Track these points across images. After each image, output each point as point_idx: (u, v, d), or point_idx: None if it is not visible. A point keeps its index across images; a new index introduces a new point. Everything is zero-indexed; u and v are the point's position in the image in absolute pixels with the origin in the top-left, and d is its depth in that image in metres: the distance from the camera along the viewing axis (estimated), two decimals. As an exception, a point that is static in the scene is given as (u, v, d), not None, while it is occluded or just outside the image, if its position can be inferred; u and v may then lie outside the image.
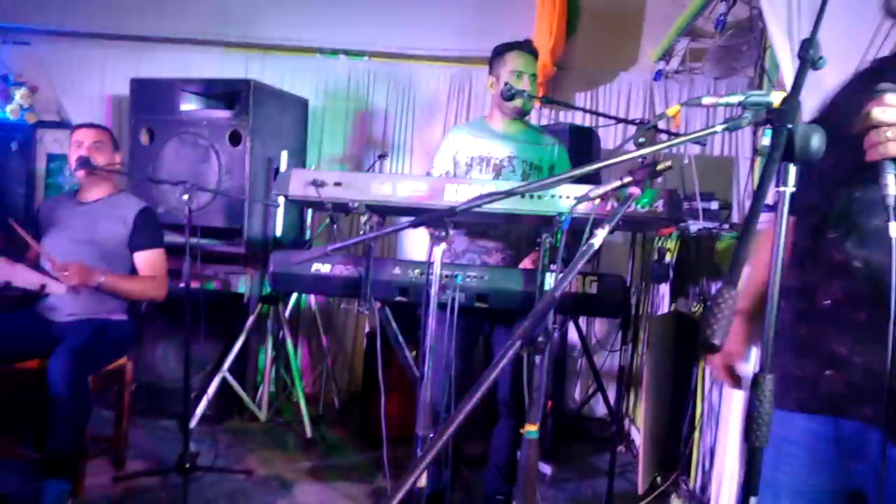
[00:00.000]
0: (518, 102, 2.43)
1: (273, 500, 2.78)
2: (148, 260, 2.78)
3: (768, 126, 0.96)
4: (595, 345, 4.17)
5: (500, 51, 2.50)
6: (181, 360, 3.62)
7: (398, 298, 2.09)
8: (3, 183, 4.25)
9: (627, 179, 1.17)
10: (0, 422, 2.67)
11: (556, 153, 2.59)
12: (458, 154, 2.53)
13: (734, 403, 2.26)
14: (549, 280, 2.07)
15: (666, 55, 4.04)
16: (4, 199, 4.36)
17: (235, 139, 3.65)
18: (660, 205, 1.93)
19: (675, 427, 2.92)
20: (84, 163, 2.67)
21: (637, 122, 3.06)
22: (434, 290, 1.56)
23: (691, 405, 2.68)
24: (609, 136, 4.20)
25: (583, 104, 4.30)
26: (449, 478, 2.85)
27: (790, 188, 1.01)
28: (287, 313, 3.80)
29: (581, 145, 3.56)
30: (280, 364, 3.90)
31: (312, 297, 4.05)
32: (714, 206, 3.09)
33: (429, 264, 1.56)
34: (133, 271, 2.79)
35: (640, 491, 2.86)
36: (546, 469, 3.31)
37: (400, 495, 0.79)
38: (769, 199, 0.95)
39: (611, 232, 1.40)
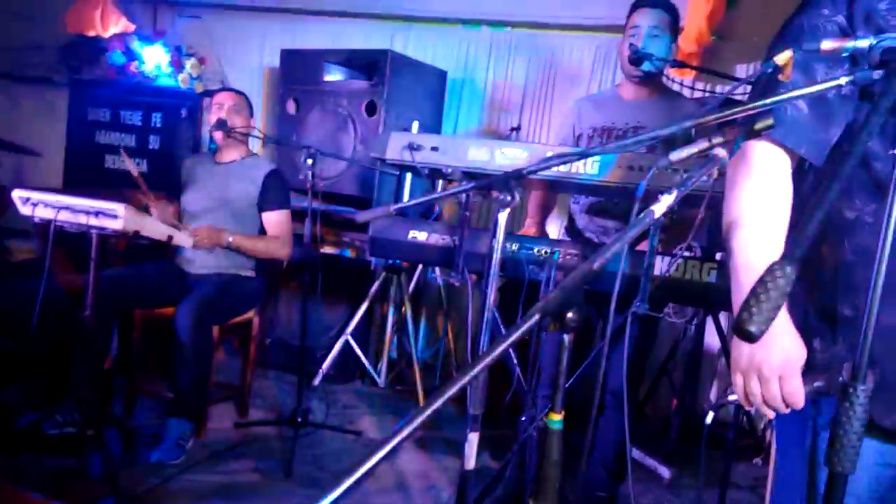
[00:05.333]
0: (644, 66, 2.20)
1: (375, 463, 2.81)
2: (274, 220, 2.91)
3: (879, 69, 0.75)
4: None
5: (629, 9, 2.29)
6: (312, 321, 3.81)
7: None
8: (173, 147, 4.67)
9: (717, 140, 0.98)
10: (141, 363, 2.93)
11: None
12: (580, 125, 2.35)
13: None
14: (660, 263, 1.88)
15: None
16: (175, 163, 4.80)
17: (371, 109, 3.72)
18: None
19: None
20: (221, 124, 2.83)
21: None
22: (496, 259, 1.45)
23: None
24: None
25: (745, 76, 3.87)
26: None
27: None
28: (412, 284, 3.84)
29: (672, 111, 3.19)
30: (402, 333, 3.96)
31: (438, 269, 4.05)
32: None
33: (493, 231, 1.45)
34: (262, 230, 2.93)
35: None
36: (664, 472, 3.07)
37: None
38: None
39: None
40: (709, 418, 1.20)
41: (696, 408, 3.74)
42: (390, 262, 3.68)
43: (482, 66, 4.33)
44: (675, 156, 1.03)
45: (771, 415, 1.00)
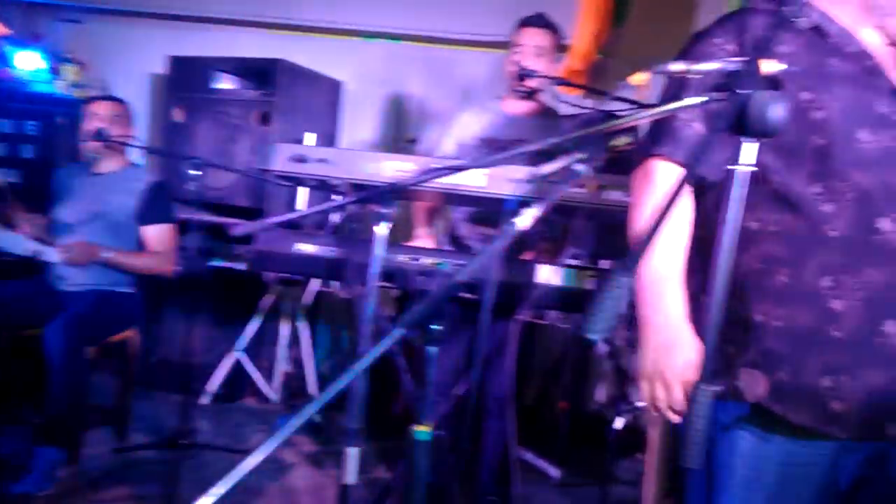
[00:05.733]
0: (530, 82, 2.29)
1: (265, 483, 2.74)
2: (155, 235, 2.78)
3: (716, 91, 0.81)
4: (625, 347, 3.97)
5: (514, 28, 2.37)
6: (200, 337, 3.66)
7: (382, 284, 1.99)
8: (49, 157, 4.37)
9: (579, 156, 1.03)
10: (4, 388, 2.72)
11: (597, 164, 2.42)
12: (464, 137, 2.41)
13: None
14: (547, 272, 1.94)
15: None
16: (52, 173, 4.50)
17: (264, 119, 3.64)
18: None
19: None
20: (99, 134, 2.68)
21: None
22: (374, 272, 1.45)
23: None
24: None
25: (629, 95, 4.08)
26: (453, 472, 2.74)
27: (744, 167, 0.85)
28: (310, 297, 3.78)
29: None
30: (298, 347, 3.88)
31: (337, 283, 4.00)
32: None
33: (372, 244, 1.45)
34: (140, 244, 2.80)
35: (648, 506, 2.68)
36: (553, 472, 3.16)
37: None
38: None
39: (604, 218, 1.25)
40: (618, 423, 1.23)
41: (585, 409, 3.88)
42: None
43: (378, 79, 4.33)
44: (545, 170, 1.08)
45: (676, 419, 1.04)
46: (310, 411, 0.71)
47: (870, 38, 1.17)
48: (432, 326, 0.82)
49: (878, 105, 1.09)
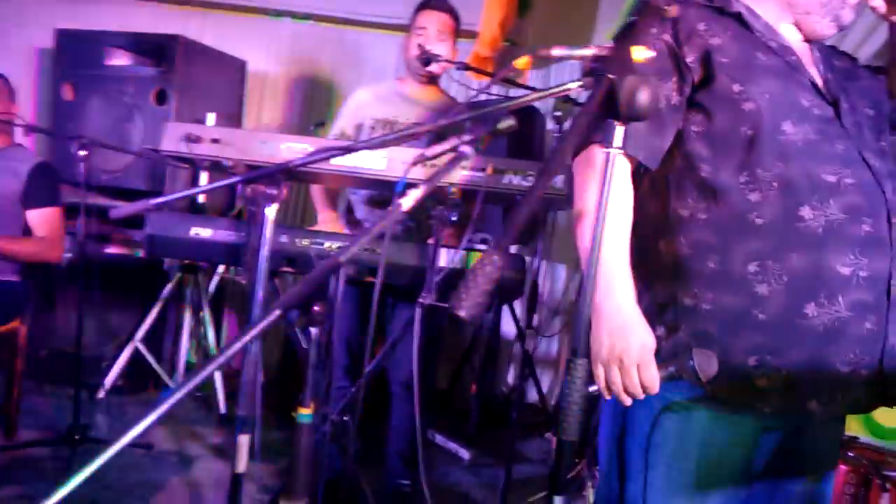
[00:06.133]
0: (431, 66, 2.29)
1: (166, 476, 2.65)
2: (41, 219, 2.62)
3: (587, 75, 0.84)
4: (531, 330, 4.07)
5: (415, 10, 2.36)
6: (95, 328, 3.49)
7: (284, 268, 1.96)
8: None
9: (466, 138, 1.04)
10: None
11: (479, 146, 2.45)
12: (361, 117, 2.39)
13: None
14: (445, 256, 1.95)
15: (620, 34, 3.90)
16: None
17: (161, 98, 3.48)
18: (558, 181, 1.81)
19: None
20: (-28, 111, 2.49)
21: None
22: (263, 254, 1.43)
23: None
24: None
25: (536, 83, 4.15)
26: (349, 463, 2.74)
27: (616, 150, 0.89)
28: (213, 284, 3.66)
29: (522, 124, 3.41)
30: (201, 336, 3.76)
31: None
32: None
33: (261, 226, 1.42)
34: (26, 229, 2.62)
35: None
36: (464, 454, 3.22)
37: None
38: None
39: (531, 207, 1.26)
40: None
41: (495, 391, 3.97)
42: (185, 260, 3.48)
43: (285, 60, 4.23)
44: (430, 152, 1.08)
45: (628, 402, 1.06)
46: (179, 394, 0.69)
47: (789, 34, 1.24)
48: (314, 308, 0.80)
49: (801, 98, 1.15)
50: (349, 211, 2.47)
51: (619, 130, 0.84)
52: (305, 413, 0.84)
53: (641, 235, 1.18)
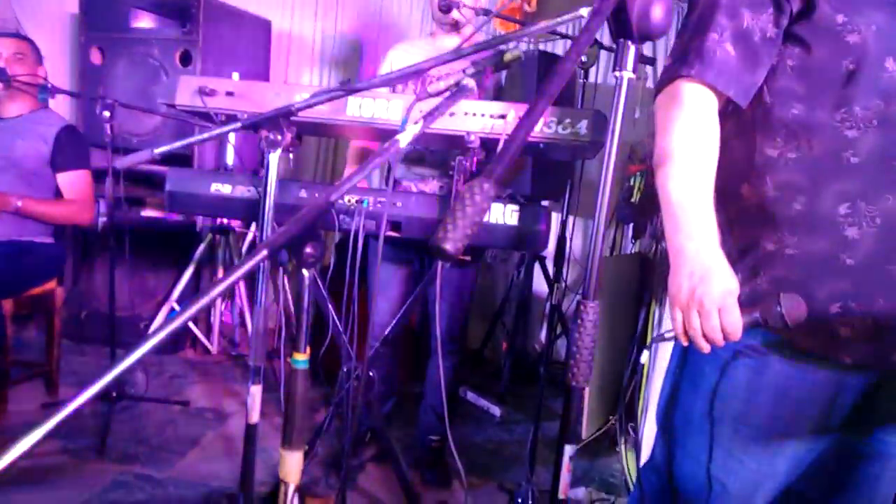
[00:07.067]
0: (452, 13, 2.20)
1: (202, 431, 2.70)
2: (71, 181, 2.64)
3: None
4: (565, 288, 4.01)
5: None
6: (132, 289, 3.56)
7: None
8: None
9: (470, 71, 0.98)
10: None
11: (503, 75, 2.37)
12: (392, 70, 2.32)
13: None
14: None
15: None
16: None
17: (186, 59, 3.46)
18: (583, 126, 1.73)
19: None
20: (0, 74, 2.50)
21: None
22: (268, 205, 1.39)
23: (635, 350, 2.53)
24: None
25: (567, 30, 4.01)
26: (388, 411, 2.75)
27: (629, 73, 0.82)
28: (245, 244, 3.68)
29: (548, 73, 3.30)
30: (234, 297, 3.80)
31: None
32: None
33: (265, 174, 1.39)
34: (58, 192, 2.66)
35: (584, 435, 2.74)
36: (495, 411, 3.21)
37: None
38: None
39: (540, 155, 1.21)
40: (644, 357, 1.15)
41: (527, 349, 3.94)
42: (218, 222, 3.50)
43: (310, 18, 4.16)
44: (433, 88, 1.02)
45: (707, 348, 1.00)
46: (154, 340, 0.66)
47: None
48: (306, 249, 0.77)
49: None
50: (388, 170, 2.43)
51: (631, 51, 0.77)
52: (300, 358, 0.81)
53: (723, 179, 1.10)
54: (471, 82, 0.93)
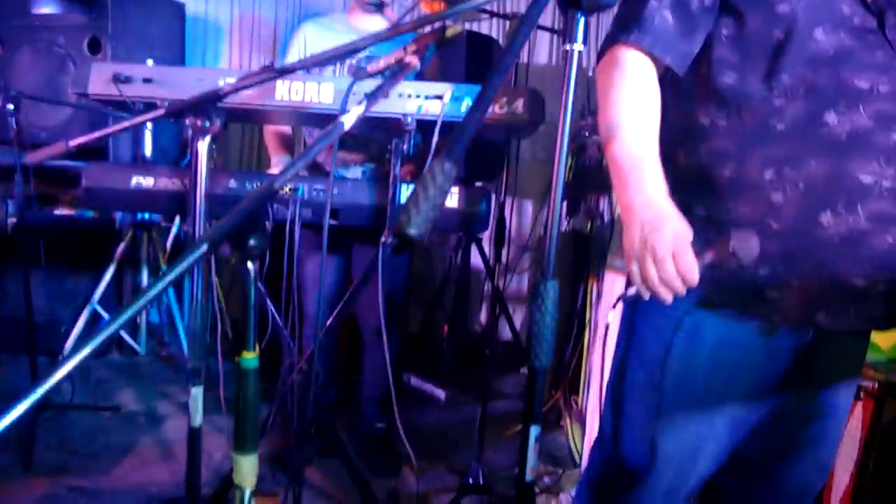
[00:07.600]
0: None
1: (135, 437, 2.58)
2: (-27, 180, 2.45)
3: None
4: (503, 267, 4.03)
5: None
6: (49, 293, 3.36)
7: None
8: None
9: (410, 48, 0.94)
10: None
11: (428, 56, 2.33)
12: (309, 50, 2.24)
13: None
14: (406, 191, 1.86)
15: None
16: None
17: (95, 46, 3.25)
18: (519, 105, 1.72)
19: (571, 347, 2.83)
20: None
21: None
22: (199, 196, 1.33)
23: (576, 324, 2.57)
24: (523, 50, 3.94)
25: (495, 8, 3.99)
26: (330, 401, 2.70)
27: (579, 45, 0.80)
28: (170, 241, 3.53)
29: (479, 55, 3.28)
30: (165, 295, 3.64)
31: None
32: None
33: (193, 164, 1.32)
34: (-41, 193, 2.46)
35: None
36: (440, 394, 3.21)
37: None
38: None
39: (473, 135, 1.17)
40: (610, 317, 1.13)
41: (468, 331, 3.95)
42: (139, 217, 3.33)
43: (225, 1, 3.99)
44: (372, 67, 0.98)
45: (669, 298, 0.98)
46: (98, 339, 0.61)
47: None
48: (250, 241, 0.72)
49: (842, 4, 1.07)
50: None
51: (581, 23, 0.76)
52: (249, 357, 0.76)
53: (661, 146, 1.12)
54: (414, 60, 0.90)
